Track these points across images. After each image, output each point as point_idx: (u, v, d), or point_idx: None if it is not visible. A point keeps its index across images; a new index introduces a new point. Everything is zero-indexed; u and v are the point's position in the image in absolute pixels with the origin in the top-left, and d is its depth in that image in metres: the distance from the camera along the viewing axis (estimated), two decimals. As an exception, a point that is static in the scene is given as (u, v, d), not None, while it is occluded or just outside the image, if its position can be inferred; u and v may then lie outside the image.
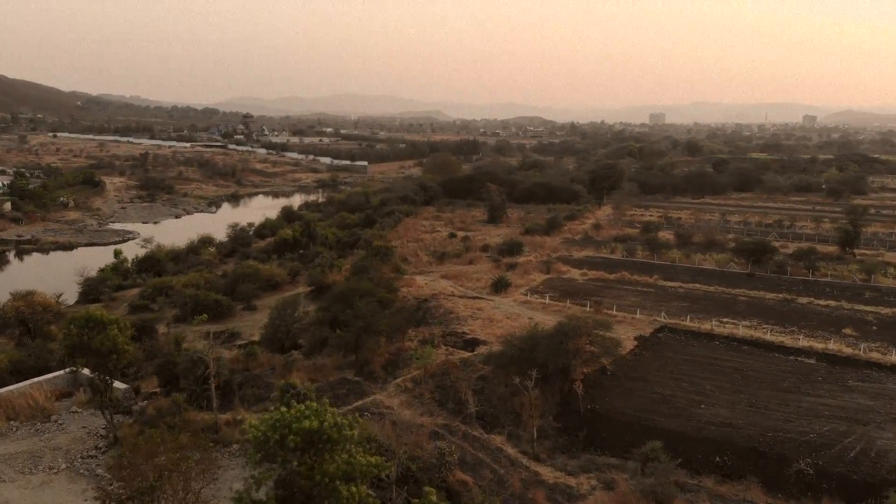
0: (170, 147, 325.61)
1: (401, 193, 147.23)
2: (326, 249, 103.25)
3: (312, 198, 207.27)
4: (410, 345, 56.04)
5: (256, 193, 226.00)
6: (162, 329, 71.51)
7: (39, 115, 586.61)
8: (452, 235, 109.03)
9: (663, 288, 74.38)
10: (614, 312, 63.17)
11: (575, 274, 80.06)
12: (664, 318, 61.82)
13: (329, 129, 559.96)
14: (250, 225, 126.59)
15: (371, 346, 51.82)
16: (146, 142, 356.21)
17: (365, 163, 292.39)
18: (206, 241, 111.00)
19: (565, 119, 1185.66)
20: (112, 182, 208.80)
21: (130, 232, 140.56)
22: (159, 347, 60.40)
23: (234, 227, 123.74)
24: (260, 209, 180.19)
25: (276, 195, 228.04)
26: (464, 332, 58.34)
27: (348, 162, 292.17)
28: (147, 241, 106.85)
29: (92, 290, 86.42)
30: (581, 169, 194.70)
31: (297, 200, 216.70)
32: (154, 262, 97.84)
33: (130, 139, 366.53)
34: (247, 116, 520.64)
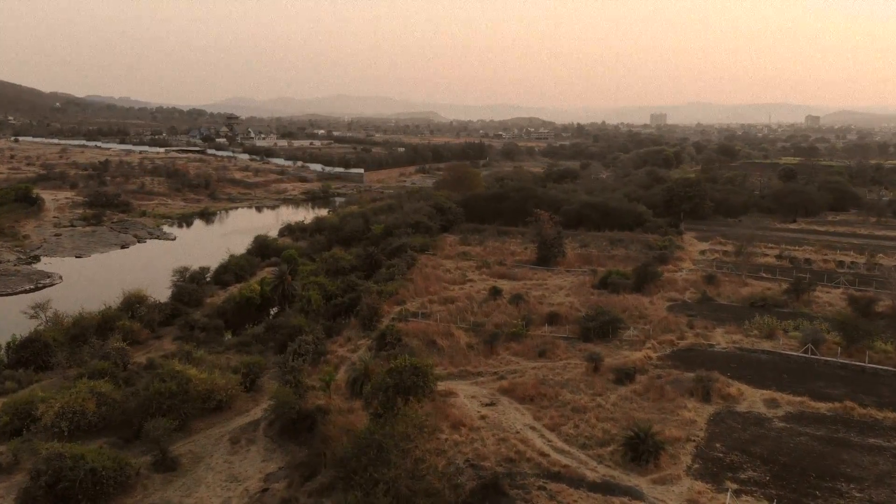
0: (140, 153, 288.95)
1: (412, 219, 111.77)
2: (309, 320, 67.66)
3: (300, 215, 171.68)
4: None
5: (233, 208, 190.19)
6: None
7: (10, 118, 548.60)
8: (496, 292, 73.67)
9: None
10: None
11: (755, 399, 44.74)
12: None
13: (321, 132, 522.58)
14: (203, 271, 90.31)
15: None
16: (116, 146, 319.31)
17: (361, 170, 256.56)
18: (133, 303, 74.99)
19: (561, 120, 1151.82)
20: (56, 198, 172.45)
21: (50, 275, 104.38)
22: None
23: (181, 273, 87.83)
24: (232, 233, 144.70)
25: (258, 209, 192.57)
26: None
27: (342, 169, 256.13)
28: (40, 307, 70.92)
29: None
30: (629, 181, 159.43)
31: (282, 214, 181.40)
32: (40, 349, 62.08)
33: (99, 144, 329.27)
34: (231, 118, 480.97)
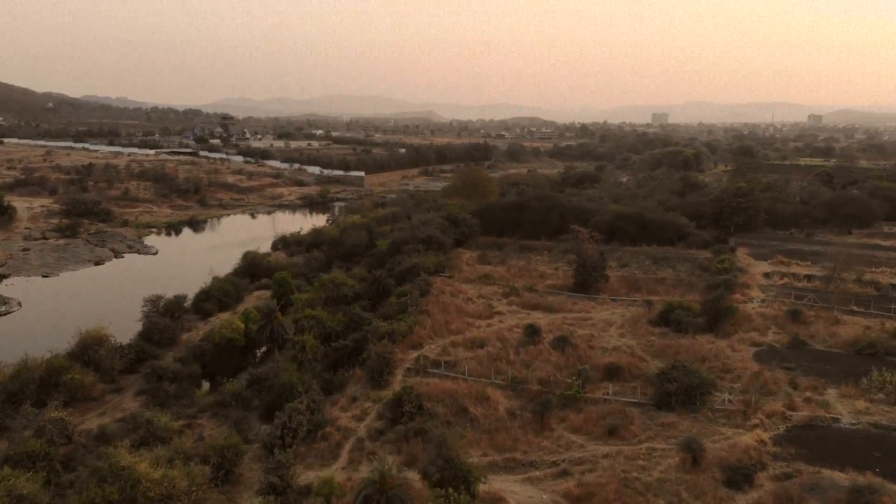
0: (129, 155, 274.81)
1: (422, 232, 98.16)
2: (303, 372, 54.16)
3: (296, 223, 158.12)
4: None
5: (225, 215, 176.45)
6: None
7: (0, 118, 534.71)
8: (534, 332, 60.18)
9: None
10: None
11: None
12: None
13: (319, 132, 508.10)
14: (179, 300, 76.36)
15: None
16: (104, 148, 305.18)
17: (361, 173, 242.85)
18: (91, 345, 61.39)
19: (561, 119, 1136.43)
20: (31, 206, 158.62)
21: (7, 301, 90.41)
22: None
23: (154, 302, 74.14)
24: (221, 245, 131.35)
25: (251, 216, 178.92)
26: None
27: (341, 172, 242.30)
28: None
29: None
30: (657, 187, 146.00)
31: (277, 221, 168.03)
32: (-41, 413, 48.56)
33: (87, 146, 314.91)
34: (226, 118, 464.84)
